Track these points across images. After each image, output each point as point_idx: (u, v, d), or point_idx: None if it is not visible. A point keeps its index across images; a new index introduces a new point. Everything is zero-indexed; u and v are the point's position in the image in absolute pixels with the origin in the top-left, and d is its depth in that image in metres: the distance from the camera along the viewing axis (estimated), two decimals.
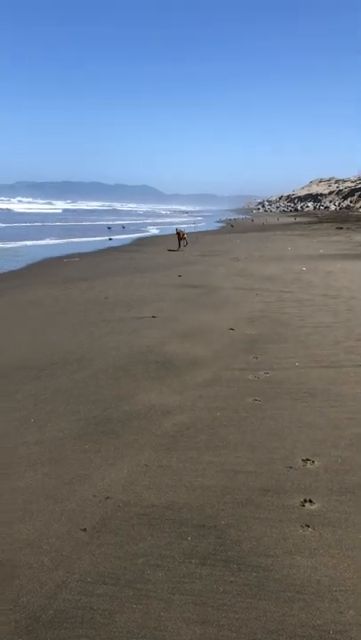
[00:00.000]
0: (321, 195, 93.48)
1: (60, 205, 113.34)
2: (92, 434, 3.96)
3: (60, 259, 17.23)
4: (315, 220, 46.73)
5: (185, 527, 2.80)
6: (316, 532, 2.75)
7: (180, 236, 20.82)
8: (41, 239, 25.61)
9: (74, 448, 3.74)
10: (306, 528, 2.78)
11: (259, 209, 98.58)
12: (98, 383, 5.07)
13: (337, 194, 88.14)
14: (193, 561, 2.53)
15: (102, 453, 3.64)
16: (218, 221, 52.06)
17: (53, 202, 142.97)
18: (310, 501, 3.02)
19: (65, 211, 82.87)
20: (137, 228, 37.96)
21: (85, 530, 2.80)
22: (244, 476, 3.31)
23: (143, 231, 35.37)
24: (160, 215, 75.24)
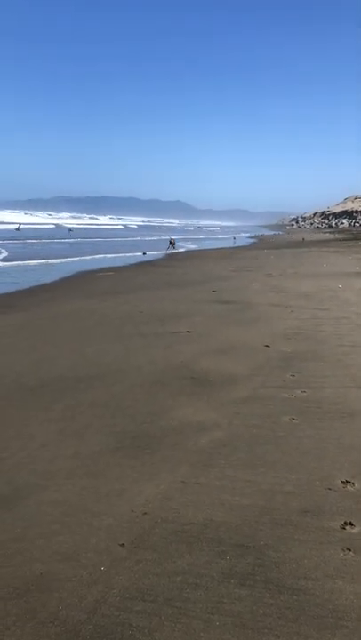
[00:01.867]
0: (356, 211, 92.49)
1: (112, 221, 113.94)
2: (129, 448, 3.97)
3: (93, 272, 17.46)
4: (350, 236, 46.24)
5: (223, 546, 2.77)
6: (357, 555, 2.68)
7: (171, 241, 33.30)
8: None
9: (110, 462, 3.75)
10: (347, 552, 2.71)
11: (293, 225, 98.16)
12: (134, 397, 5.09)
13: None
14: (232, 581, 2.50)
15: (139, 468, 3.65)
16: (251, 237, 51.93)
17: (98, 217, 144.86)
18: (351, 524, 2.95)
19: (126, 227, 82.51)
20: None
21: (123, 545, 2.80)
22: (283, 496, 3.27)
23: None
24: (201, 231, 75.13)
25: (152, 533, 2.89)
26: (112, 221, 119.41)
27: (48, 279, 15.57)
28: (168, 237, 37.73)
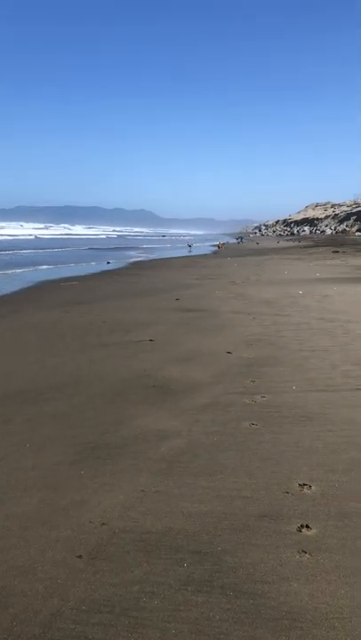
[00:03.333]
0: (317, 219, 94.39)
1: (89, 231, 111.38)
2: (89, 459, 3.94)
3: (57, 282, 17.30)
4: (311, 243, 47.12)
5: (181, 553, 2.78)
6: (313, 557, 2.73)
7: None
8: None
9: (70, 473, 3.72)
10: (303, 554, 2.76)
11: (255, 232, 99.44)
12: (95, 407, 5.07)
13: (333, 218, 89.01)
14: (189, 588, 2.51)
15: (98, 479, 3.63)
16: (213, 245, 52.40)
17: (70, 227, 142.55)
18: (307, 527, 3.01)
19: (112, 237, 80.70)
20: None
21: (81, 557, 2.78)
22: (241, 501, 3.30)
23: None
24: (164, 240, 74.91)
25: (110, 544, 2.88)
26: (89, 231, 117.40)
27: (9, 289, 15.33)
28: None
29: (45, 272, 21.47)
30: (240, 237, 73.21)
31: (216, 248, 46.10)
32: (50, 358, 6.99)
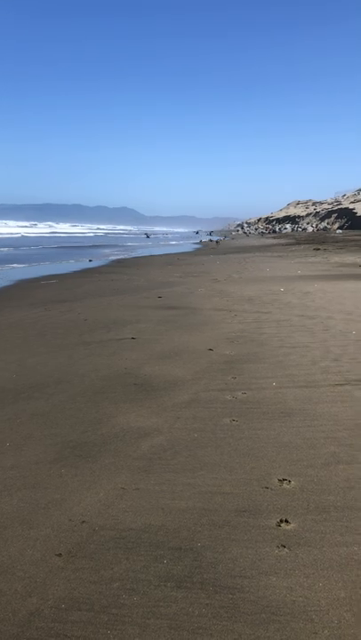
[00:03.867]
0: (299, 217, 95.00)
1: (76, 229, 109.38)
2: (69, 457, 3.93)
3: (36, 280, 17.17)
4: (293, 241, 47.39)
5: (161, 550, 2.79)
6: (291, 552, 2.76)
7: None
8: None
9: (50, 472, 3.70)
10: (282, 548, 2.79)
11: (238, 230, 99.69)
12: (76, 406, 5.05)
13: (314, 216, 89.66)
14: (168, 584, 2.52)
15: (79, 477, 3.62)
16: (196, 243, 52.45)
17: (54, 224, 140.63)
18: (286, 521, 3.03)
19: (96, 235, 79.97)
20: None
21: (60, 555, 2.77)
22: (221, 497, 3.32)
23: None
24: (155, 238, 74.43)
25: (90, 542, 2.88)
26: (75, 229, 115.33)
27: None
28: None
29: (27, 270, 21.29)
30: (209, 236, 71.34)
31: (200, 245, 46.15)
32: (30, 357, 6.94)
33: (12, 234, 67.41)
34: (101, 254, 32.64)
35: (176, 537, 2.90)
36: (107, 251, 37.44)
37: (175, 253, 32.70)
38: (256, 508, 3.18)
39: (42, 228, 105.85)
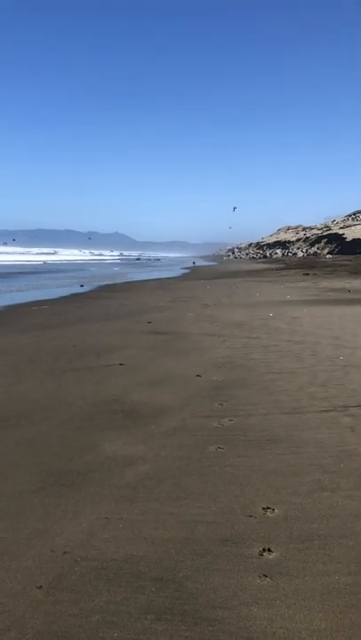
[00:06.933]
0: (289, 242, 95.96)
1: (85, 255, 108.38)
2: (53, 486, 3.91)
3: (28, 306, 17.18)
4: (283, 266, 47.81)
5: (142, 581, 2.77)
6: (273, 581, 2.75)
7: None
8: None
9: (33, 502, 3.68)
10: (264, 578, 2.78)
11: (229, 255, 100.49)
12: (62, 434, 5.03)
13: (304, 241, 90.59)
14: (149, 616, 2.50)
15: (62, 507, 3.60)
16: (186, 267, 52.81)
17: (57, 250, 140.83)
18: (269, 550, 3.03)
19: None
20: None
21: (41, 587, 2.74)
22: (205, 526, 3.31)
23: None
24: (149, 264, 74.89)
25: (71, 573, 2.86)
26: (93, 256, 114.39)
27: None
28: None
29: (16, 295, 21.31)
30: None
31: (189, 270, 46.49)
32: (17, 384, 6.93)
33: (32, 261, 68.30)
34: (94, 278, 32.75)
35: (158, 567, 2.89)
36: (100, 274, 37.59)
37: (166, 278, 32.86)
38: (239, 537, 3.17)
39: (52, 256, 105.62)
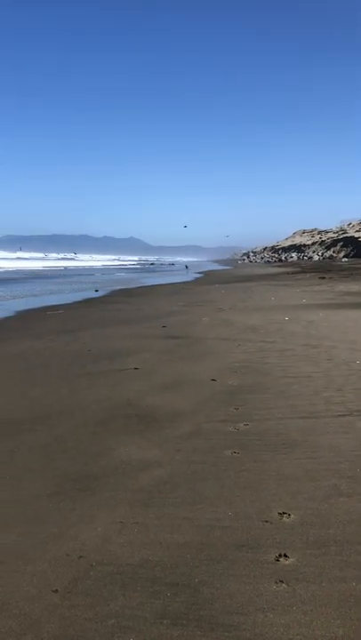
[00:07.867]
0: (304, 245, 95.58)
1: (110, 262, 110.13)
2: (69, 491, 3.92)
3: (42, 310, 17.30)
4: (298, 270, 47.60)
5: (158, 586, 2.76)
6: (290, 587, 2.72)
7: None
8: None
9: (49, 506, 3.69)
10: (280, 584, 2.76)
11: (244, 259, 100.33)
12: (77, 438, 5.05)
13: (320, 244, 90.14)
14: (164, 621, 2.49)
15: (77, 511, 3.60)
16: (199, 272, 52.81)
17: (77, 255, 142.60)
18: (285, 556, 3.00)
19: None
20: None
21: (57, 591, 2.75)
22: (220, 531, 3.29)
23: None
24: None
25: (87, 577, 2.86)
26: (110, 262, 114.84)
27: None
28: None
29: (35, 300, 21.47)
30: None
31: (203, 275, 46.54)
32: (33, 389, 6.97)
33: (53, 267, 69.27)
34: (108, 283, 32.90)
35: (174, 572, 2.88)
36: (114, 279, 37.75)
37: (180, 282, 32.89)
38: (255, 543, 3.15)
39: (71, 261, 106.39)
